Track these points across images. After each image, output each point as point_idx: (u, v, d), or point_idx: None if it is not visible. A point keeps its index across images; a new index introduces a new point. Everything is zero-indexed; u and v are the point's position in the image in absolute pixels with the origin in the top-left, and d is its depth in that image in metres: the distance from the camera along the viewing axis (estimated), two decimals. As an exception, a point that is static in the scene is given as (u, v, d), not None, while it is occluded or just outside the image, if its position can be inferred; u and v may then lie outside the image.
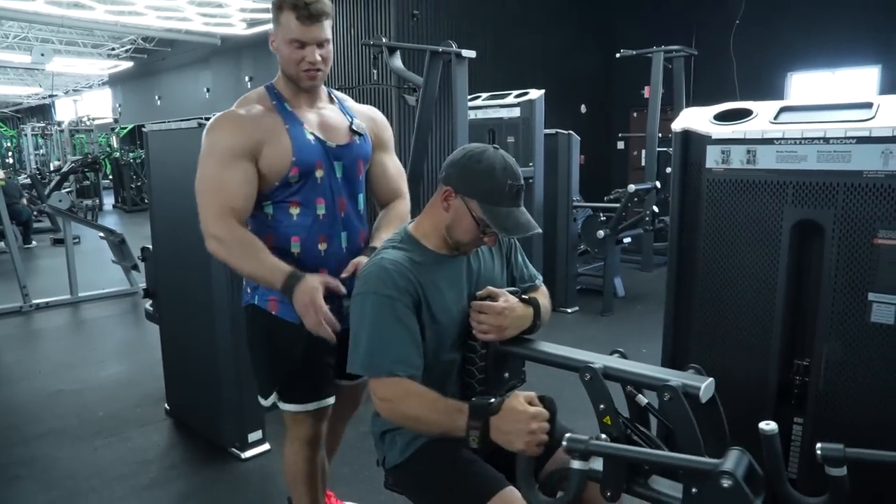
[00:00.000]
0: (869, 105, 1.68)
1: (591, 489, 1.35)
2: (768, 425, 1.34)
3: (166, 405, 3.29)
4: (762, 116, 1.83)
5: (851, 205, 1.64)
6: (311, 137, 1.75)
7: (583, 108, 9.71)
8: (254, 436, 2.82)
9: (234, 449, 2.82)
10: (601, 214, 5.22)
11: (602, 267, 5.32)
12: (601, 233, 5.02)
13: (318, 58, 1.70)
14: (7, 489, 2.60)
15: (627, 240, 5.46)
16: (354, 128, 1.84)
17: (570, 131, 5.20)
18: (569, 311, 5.22)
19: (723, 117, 1.89)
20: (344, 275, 1.75)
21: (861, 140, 1.61)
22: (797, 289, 1.79)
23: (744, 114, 1.87)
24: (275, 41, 1.73)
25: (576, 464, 1.18)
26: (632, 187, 4.89)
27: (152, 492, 2.56)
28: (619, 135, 8.97)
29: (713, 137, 1.85)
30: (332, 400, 1.89)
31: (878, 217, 1.60)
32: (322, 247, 1.78)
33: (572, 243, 5.24)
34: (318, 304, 1.61)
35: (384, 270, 1.42)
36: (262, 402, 1.90)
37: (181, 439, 3.04)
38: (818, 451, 1.28)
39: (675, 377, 1.32)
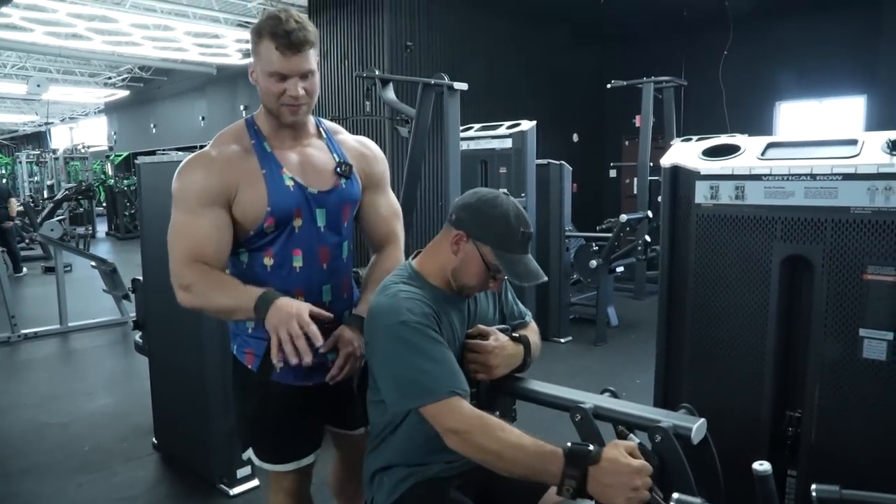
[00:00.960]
0: (854, 142, 1.70)
1: None
2: (762, 465, 1.33)
3: (154, 439, 3.24)
4: (750, 152, 1.85)
5: (840, 240, 1.65)
6: (289, 183, 1.59)
7: (575, 137, 9.82)
8: (242, 471, 2.77)
9: (222, 485, 2.76)
10: (594, 244, 5.24)
11: (595, 296, 5.32)
12: (594, 262, 5.03)
13: (301, 91, 1.53)
14: (-12, 528, 2.54)
15: (620, 269, 5.47)
16: (339, 171, 1.66)
17: (562, 161, 5.24)
18: (562, 340, 5.19)
19: (711, 153, 1.91)
20: (322, 350, 1.54)
21: (847, 177, 1.63)
22: (788, 324, 1.79)
23: (732, 149, 1.89)
24: (254, 72, 1.57)
25: None
26: (623, 217, 4.91)
27: (137, 530, 2.51)
28: (611, 164, 9.05)
29: (702, 173, 1.87)
30: (311, 459, 1.75)
31: (867, 253, 1.61)
32: (300, 301, 1.60)
33: (565, 273, 5.24)
34: (304, 317, 1.42)
35: (407, 300, 1.39)
36: (242, 455, 1.79)
37: (168, 474, 2.99)
38: (813, 493, 1.26)
39: (666, 418, 1.31)
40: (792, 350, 1.79)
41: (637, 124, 6.97)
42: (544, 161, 5.17)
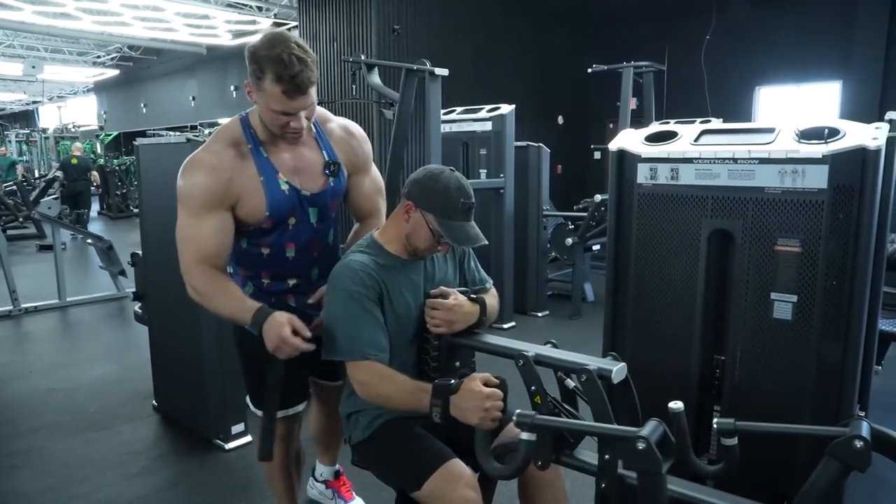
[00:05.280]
0: (772, 130, 1.95)
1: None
2: (676, 404, 1.58)
3: (154, 401, 3.49)
4: (685, 139, 2.09)
5: (756, 216, 1.90)
6: (285, 188, 1.76)
7: (560, 120, 10.02)
8: (236, 428, 3.03)
9: (217, 440, 3.02)
10: (570, 223, 5.48)
11: (571, 273, 5.58)
12: (569, 240, 5.27)
13: (304, 123, 1.68)
14: (5, 477, 2.78)
15: (597, 247, 5.70)
16: (328, 171, 1.84)
17: (541, 144, 5.46)
18: (539, 314, 5.46)
19: (652, 139, 2.15)
20: (310, 301, 1.87)
21: (762, 161, 1.87)
22: (715, 289, 2.04)
23: (670, 135, 2.13)
24: (252, 93, 1.64)
25: (524, 435, 1.40)
26: (598, 197, 5.12)
27: (142, 478, 2.76)
28: (592, 146, 9.28)
29: (643, 156, 2.10)
30: (299, 408, 2.03)
31: (778, 227, 1.86)
32: (291, 282, 1.89)
33: (542, 250, 5.48)
34: (288, 340, 1.62)
35: (352, 270, 1.65)
36: (246, 399, 2.09)
37: (168, 432, 3.24)
38: (714, 425, 1.53)
39: (592, 362, 1.56)
40: (717, 311, 2.04)
41: (623, 108, 7.18)
42: (523, 143, 5.39)
